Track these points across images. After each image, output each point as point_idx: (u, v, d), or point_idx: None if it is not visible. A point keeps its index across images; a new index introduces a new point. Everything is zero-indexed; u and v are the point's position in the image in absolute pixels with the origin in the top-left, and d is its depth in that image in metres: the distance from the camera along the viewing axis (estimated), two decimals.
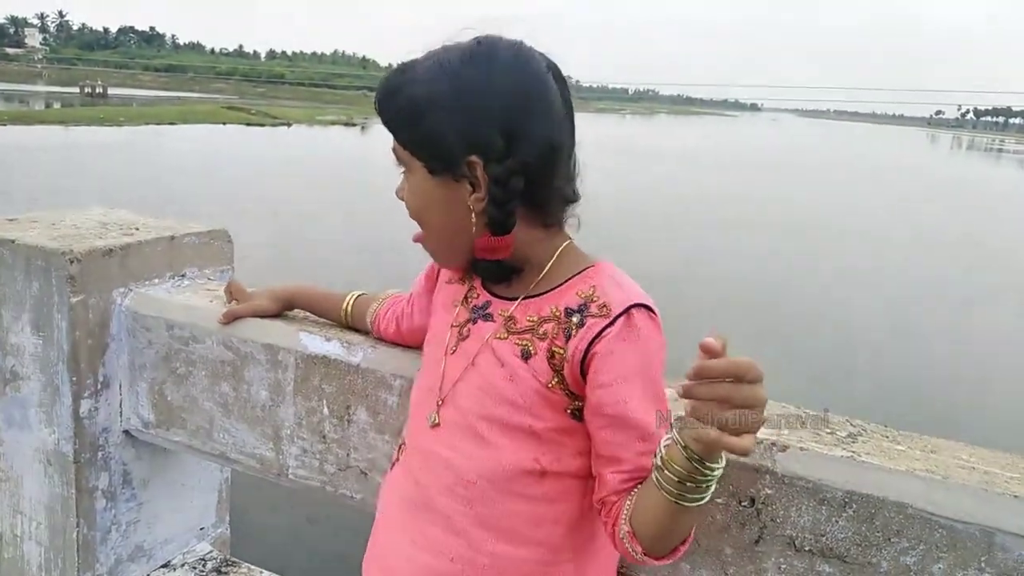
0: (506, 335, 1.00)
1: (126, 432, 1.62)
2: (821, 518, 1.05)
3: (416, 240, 1.07)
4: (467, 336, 1.04)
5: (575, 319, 0.96)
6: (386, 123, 1.02)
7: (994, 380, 9.16)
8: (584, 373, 0.95)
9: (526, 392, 0.97)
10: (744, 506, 1.09)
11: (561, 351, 0.96)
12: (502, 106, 0.95)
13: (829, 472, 1.06)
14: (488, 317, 1.03)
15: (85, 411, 1.55)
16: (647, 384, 0.94)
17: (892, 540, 1.02)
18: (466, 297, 1.08)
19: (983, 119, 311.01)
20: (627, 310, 0.93)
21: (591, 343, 0.93)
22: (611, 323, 0.93)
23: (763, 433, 1.09)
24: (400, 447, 1.14)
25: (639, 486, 0.93)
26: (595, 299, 0.96)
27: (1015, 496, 0.99)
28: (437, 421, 1.03)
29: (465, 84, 0.95)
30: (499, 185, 0.96)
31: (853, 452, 1.08)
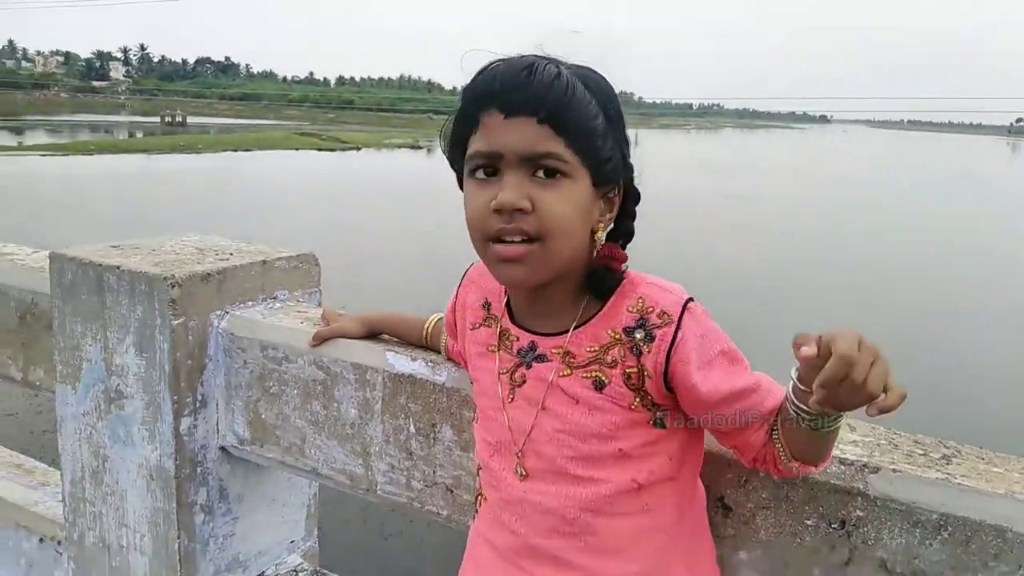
0: (569, 371, 1.00)
1: (222, 449, 1.70)
2: (914, 541, 1.04)
3: (517, 256, 0.94)
4: (523, 381, 1.03)
5: (639, 335, 0.97)
6: (551, 117, 0.90)
7: None
8: (668, 382, 0.97)
9: (608, 421, 0.98)
10: (834, 528, 1.09)
11: (635, 369, 0.97)
12: (624, 128, 1.00)
13: (923, 494, 1.04)
14: (541, 358, 1.02)
15: (185, 428, 1.63)
16: (729, 354, 0.98)
17: (990, 564, 1.00)
18: (501, 340, 1.07)
19: None
20: (684, 308, 0.97)
21: (669, 353, 0.95)
22: (678, 327, 0.96)
23: (854, 455, 1.09)
24: (478, 498, 1.14)
25: (777, 424, 0.98)
26: (649, 309, 0.97)
27: None
28: (524, 473, 1.03)
29: (615, 102, 0.97)
30: (635, 201, 1.02)
31: (948, 474, 1.06)
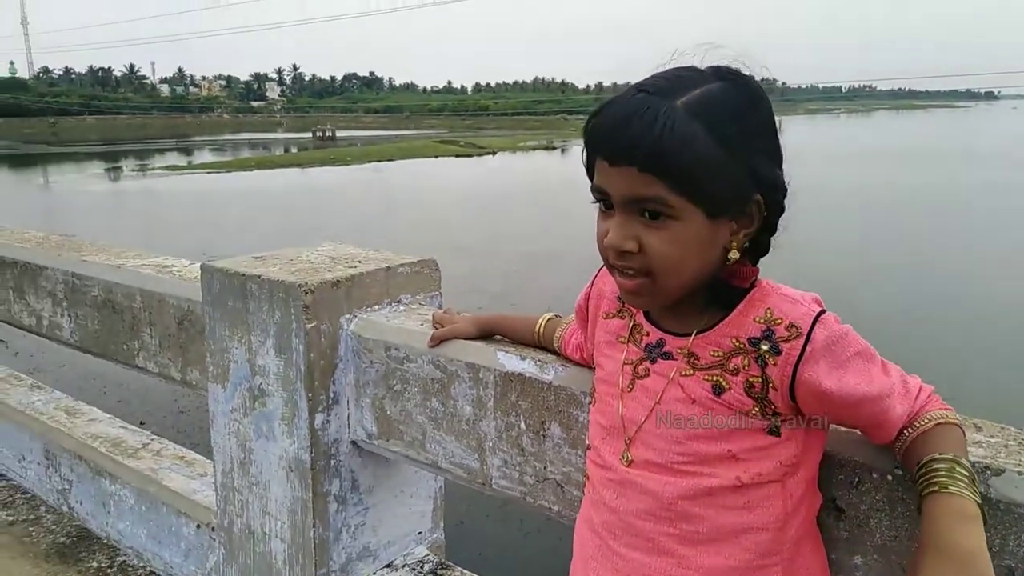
0: (692, 372, 1.01)
1: (353, 443, 1.81)
2: None
3: (633, 289, 0.99)
4: (646, 374, 1.06)
5: (764, 346, 0.97)
6: (650, 167, 0.91)
7: None
8: (794, 393, 0.96)
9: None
10: None
11: (759, 379, 0.97)
12: (771, 135, 0.98)
13: None
14: (667, 355, 1.04)
15: (319, 424, 1.75)
16: (863, 354, 0.97)
17: None
18: (632, 334, 1.10)
19: None
20: (815, 320, 0.95)
21: (796, 366, 0.95)
22: (807, 340, 0.94)
23: (976, 456, 1.03)
24: (585, 481, 1.17)
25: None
26: (777, 321, 0.97)
27: None
28: (631, 459, 1.05)
29: (743, 118, 0.94)
30: (777, 214, 0.99)
31: None
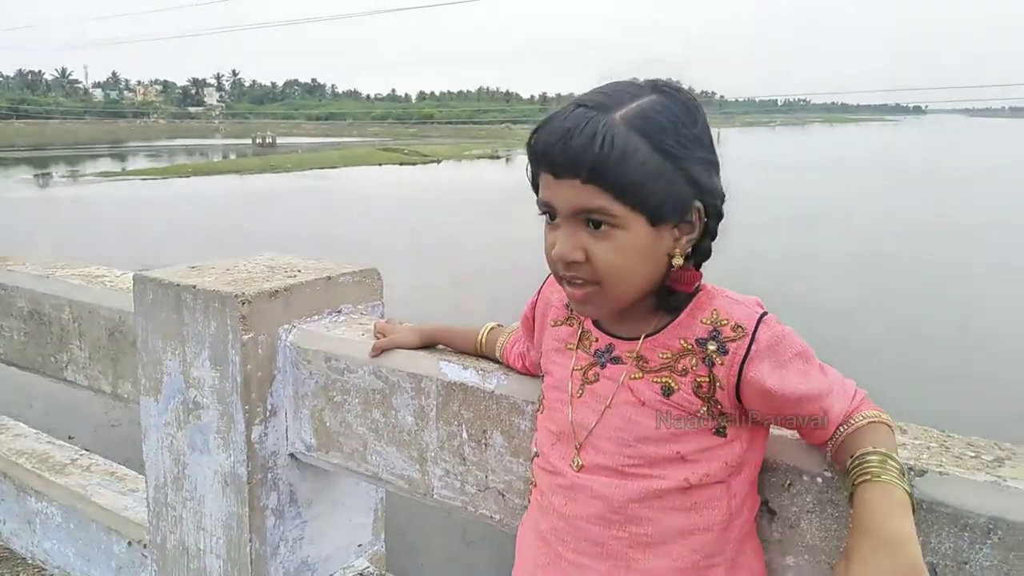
0: (641, 375, 1.03)
1: (291, 455, 1.78)
2: (963, 545, 1.01)
3: (582, 298, 1.01)
4: (596, 380, 1.08)
5: (712, 347, 1.00)
6: (592, 178, 0.93)
7: None
8: (740, 393, 1.00)
9: (671, 426, 1.01)
10: None
11: (707, 379, 1.00)
12: (708, 145, 1.00)
13: (972, 497, 1.01)
14: (617, 360, 1.06)
15: (256, 436, 1.72)
16: (803, 355, 1.01)
17: None
18: (581, 340, 1.12)
19: None
20: (759, 321, 0.99)
21: (742, 365, 0.98)
22: (752, 340, 0.98)
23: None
24: (531, 488, 1.18)
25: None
26: (723, 322, 1.00)
27: None
28: (581, 464, 1.07)
29: (680, 129, 0.96)
30: (716, 220, 1.01)
31: (999, 476, 1.03)
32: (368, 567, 1.95)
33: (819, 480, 1.11)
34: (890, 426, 1.04)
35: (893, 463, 0.96)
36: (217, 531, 1.80)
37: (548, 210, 1.01)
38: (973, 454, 1.10)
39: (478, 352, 1.52)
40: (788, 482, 1.13)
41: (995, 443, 1.14)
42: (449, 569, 4.98)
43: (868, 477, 0.95)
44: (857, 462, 0.97)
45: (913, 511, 0.93)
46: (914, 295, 12.10)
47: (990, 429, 1.16)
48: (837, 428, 1.03)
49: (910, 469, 1.06)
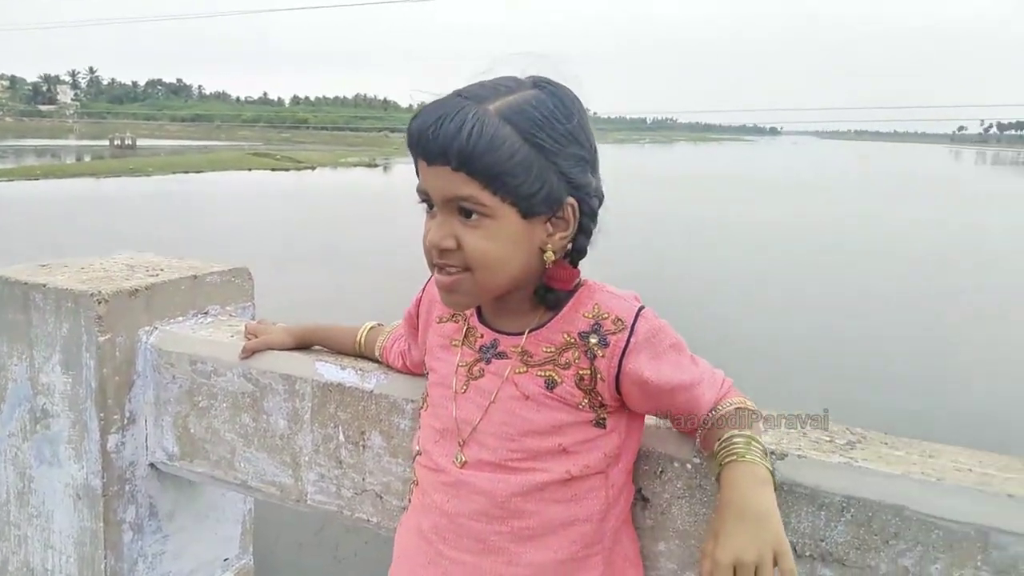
0: (525, 369, 1.04)
1: (152, 465, 1.68)
2: (820, 523, 1.08)
3: (450, 285, 1.01)
4: (480, 375, 1.08)
5: (593, 340, 1.02)
6: (461, 165, 0.94)
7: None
8: (619, 385, 1.02)
9: (554, 418, 1.03)
10: None
11: (588, 371, 1.02)
12: (585, 143, 1.01)
13: (827, 478, 1.08)
14: (501, 355, 1.07)
15: (112, 446, 1.61)
16: (677, 346, 1.04)
17: (890, 542, 1.04)
18: (466, 337, 1.12)
19: (1007, 133, 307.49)
20: (637, 314, 1.02)
21: (622, 357, 1.00)
22: (631, 333, 1.00)
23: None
24: (412, 487, 1.17)
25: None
26: (604, 316, 1.02)
27: (1010, 495, 1.01)
28: (465, 460, 1.07)
29: (554, 124, 0.97)
30: (591, 218, 1.03)
31: (851, 458, 1.11)
32: None
33: (689, 466, 1.15)
34: (754, 412, 1.10)
35: (757, 444, 1.02)
36: (68, 549, 1.67)
37: (425, 198, 1.01)
38: (828, 439, 1.17)
39: (357, 352, 1.49)
40: (660, 469, 1.17)
41: (847, 428, 1.22)
42: None
43: (734, 457, 1.00)
44: (724, 444, 1.03)
45: (775, 489, 0.99)
46: (775, 296, 12.89)
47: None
48: (706, 415, 1.08)
49: (772, 453, 1.11)
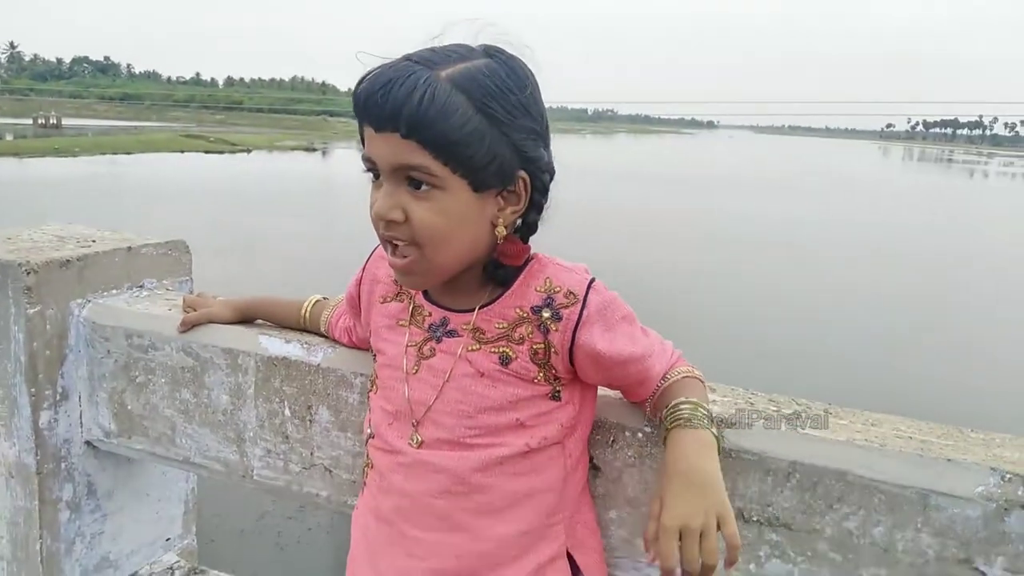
0: (479, 346, 1.03)
1: (88, 443, 1.62)
2: (767, 489, 1.10)
3: (404, 267, 0.99)
4: (432, 354, 1.06)
5: (546, 314, 1.01)
6: (411, 132, 0.90)
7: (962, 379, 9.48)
8: (573, 357, 1.01)
9: (510, 393, 1.02)
10: None
11: (542, 345, 1.01)
12: (536, 116, 0.99)
13: (773, 444, 1.10)
14: (452, 333, 1.05)
15: (44, 423, 1.54)
16: (628, 318, 1.04)
17: (834, 507, 1.07)
18: (413, 316, 1.09)
19: (932, 131, 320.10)
20: (589, 287, 1.01)
21: (575, 330, 1.00)
22: (583, 305, 1.00)
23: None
24: (365, 469, 1.15)
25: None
26: (557, 289, 1.02)
27: (948, 460, 1.05)
28: (421, 440, 1.05)
29: (507, 95, 0.94)
30: (542, 194, 1.01)
31: (796, 427, 1.13)
32: (178, 561, 1.81)
33: (640, 435, 1.16)
34: (702, 381, 1.12)
35: (703, 410, 1.03)
36: (1, 529, 1.59)
37: (371, 167, 0.97)
38: (775, 408, 1.20)
39: (301, 327, 1.45)
40: (612, 439, 1.18)
41: (792, 399, 1.25)
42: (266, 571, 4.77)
43: (680, 422, 1.02)
44: (672, 411, 1.04)
45: (720, 454, 1.01)
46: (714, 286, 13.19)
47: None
48: (656, 384, 1.09)
49: (720, 422, 1.13)
